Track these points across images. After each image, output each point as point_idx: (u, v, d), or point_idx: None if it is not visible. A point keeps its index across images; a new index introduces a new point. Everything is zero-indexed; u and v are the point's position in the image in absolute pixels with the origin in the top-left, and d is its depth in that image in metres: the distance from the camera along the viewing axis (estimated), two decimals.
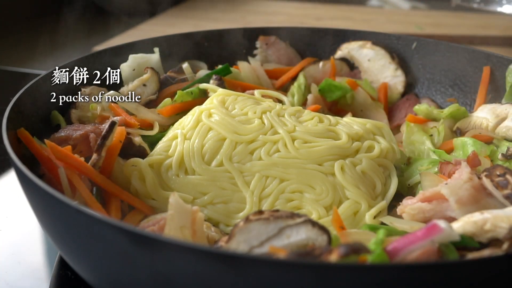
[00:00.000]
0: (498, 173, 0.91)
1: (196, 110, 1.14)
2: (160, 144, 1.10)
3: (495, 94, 1.33)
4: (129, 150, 1.09)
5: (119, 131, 1.05)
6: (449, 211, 0.89)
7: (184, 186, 1.03)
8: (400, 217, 0.97)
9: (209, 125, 1.10)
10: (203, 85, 1.28)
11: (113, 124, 1.02)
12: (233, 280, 0.68)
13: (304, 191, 1.03)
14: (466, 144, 1.16)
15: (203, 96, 1.28)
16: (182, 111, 1.23)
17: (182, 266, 0.70)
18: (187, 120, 1.13)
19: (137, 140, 1.11)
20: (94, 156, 1.00)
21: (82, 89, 1.24)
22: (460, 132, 1.25)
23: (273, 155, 1.06)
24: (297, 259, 0.70)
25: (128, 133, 1.10)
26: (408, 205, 0.95)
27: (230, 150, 1.07)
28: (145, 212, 0.99)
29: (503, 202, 0.87)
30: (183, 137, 1.09)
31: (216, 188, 1.03)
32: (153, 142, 1.14)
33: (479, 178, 0.92)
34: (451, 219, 0.87)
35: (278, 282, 0.66)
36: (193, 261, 0.68)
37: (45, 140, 1.01)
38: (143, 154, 1.09)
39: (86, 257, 0.84)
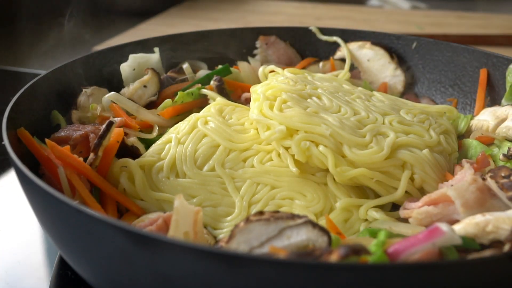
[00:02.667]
0: (503, 174, 0.91)
1: (193, 117, 1.15)
2: (153, 147, 1.11)
3: (495, 95, 1.33)
4: (122, 150, 1.09)
5: (116, 131, 1.05)
6: (456, 214, 0.89)
7: (174, 188, 1.03)
8: (404, 220, 0.97)
9: (204, 131, 1.11)
10: (204, 91, 1.28)
11: (110, 124, 1.02)
12: (233, 280, 0.68)
13: (295, 198, 1.03)
14: (471, 146, 1.18)
15: (204, 97, 1.28)
16: (183, 113, 1.24)
17: (182, 266, 0.70)
18: (183, 125, 1.14)
19: (130, 140, 1.11)
20: (91, 155, 1.01)
21: (83, 90, 1.25)
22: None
23: (265, 164, 1.07)
24: (297, 259, 0.70)
25: (125, 134, 1.10)
26: (414, 209, 0.94)
27: (223, 157, 1.07)
28: (137, 214, 0.99)
29: (507, 203, 0.87)
30: (177, 141, 1.10)
31: (206, 192, 1.03)
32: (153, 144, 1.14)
33: (484, 179, 0.91)
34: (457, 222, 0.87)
35: (278, 282, 0.66)
36: (193, 261, 0.68)
37: (46, 140, 1.01)
38: (135, 155, 1.09)
39: (86, 257, 0.84)
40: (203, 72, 1.40)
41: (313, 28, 1.57)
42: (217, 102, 1.21)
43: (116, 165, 1.04)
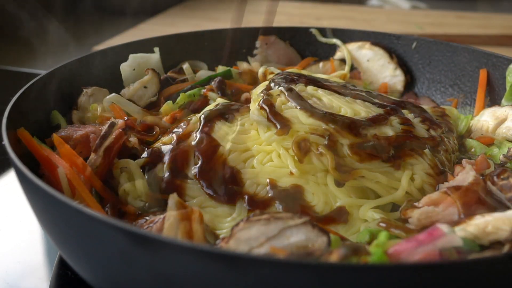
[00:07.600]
0: (502, 176, 0.91)
1: (193, 118, 1.14)
2: (154, 148, 1.10)
3: (495, 95, 1.33)
4: (122, 151, 1.08)
5: (118, 132, 1.05)
6: (456, 215, 0.88)
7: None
8: (404, 220, 0.97)
9: None
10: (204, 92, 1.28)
11: (112, 125, 1.03)
12: (233, 280, 0.68)
13: None
14: (471, 146, 1.19)
15: (204, 97, 1.28)
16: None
17: (182, 266, 0.70)
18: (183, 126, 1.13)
19: (132, 141, 1.11)
20: (92, 155, 1.01)
21: (84, 90, 1.25)
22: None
23: (266, 164, 1.06)
24: (297, 259, 0.70)
25: (126, 134, 1.10)
26: (414, 209, 0.94)
27: (223, 157, 1.07)
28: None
29: (507, 204, 0.87)
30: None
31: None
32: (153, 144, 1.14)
33: (483, 180, 0.91)
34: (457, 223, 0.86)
35: (278, 282, 0.66)
36: (193, 261, 0.68)
37: (53, 134, 1.01)
38: (136, 155, 1.09)
39: (86, 257, 0.84)
40: (203, 72, 1.40)
41: (313, 30, 1.57)
42: (217, 102, 1.21)
43: (116, 166, 1.04)
